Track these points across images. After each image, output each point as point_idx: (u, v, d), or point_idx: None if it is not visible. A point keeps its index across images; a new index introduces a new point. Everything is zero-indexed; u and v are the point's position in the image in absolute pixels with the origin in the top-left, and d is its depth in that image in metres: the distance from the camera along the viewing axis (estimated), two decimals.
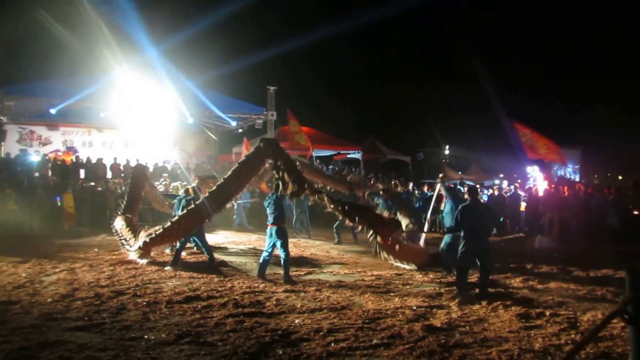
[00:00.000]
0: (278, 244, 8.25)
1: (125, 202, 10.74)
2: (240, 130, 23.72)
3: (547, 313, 6.21)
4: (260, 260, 8.47)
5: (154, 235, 8.22)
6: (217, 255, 10.10)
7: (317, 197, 8.67)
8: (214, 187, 8.82)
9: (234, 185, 8.74)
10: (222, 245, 11.90)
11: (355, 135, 28.60)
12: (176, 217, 8.38)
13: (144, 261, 8.57)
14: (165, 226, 8.28)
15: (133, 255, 8.61)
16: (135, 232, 9.29)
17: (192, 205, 8.93)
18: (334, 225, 12.82)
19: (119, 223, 9.81)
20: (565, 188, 16.17)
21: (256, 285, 7.78)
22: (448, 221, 8.80)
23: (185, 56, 24.42)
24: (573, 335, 5.40)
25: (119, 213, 10.38)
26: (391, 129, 36.35)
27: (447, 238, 8.76)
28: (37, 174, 16.65)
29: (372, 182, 18.99)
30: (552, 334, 5.47)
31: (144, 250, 8.36)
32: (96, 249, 11.12)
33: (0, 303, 6.50)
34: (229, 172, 9.07)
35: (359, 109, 40.84)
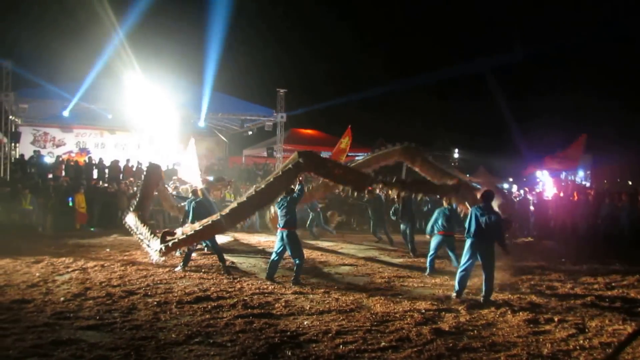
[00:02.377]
0: (289, 249, 8.18)
1: (137, 199, 10.84)
2: (250, 133, 23.84)
3: (556, 319, 6.20)
4: (269, 263, 8.48)
5: (176, 240, 8.39)
6: (227, 257, 10.16)
7: (384, 186, 8.72)
8: (246, 196, 8.76)
9: (265, 196, 8.55)
10: (232, 247, 11.98)
11: (365, 137, 28.58)
12: (201, 225, 8.44)
13: (157, 259, 8.73)
14: (189, 233, 8.42)
15: (153, 255, 8.78)
16: (151, 230, 9.44)
17: (202, 206, 9.02)
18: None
19: (132, 220, 9.95)
20: (575, 193, 16.07)
21: (265, 286, 7.82)
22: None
23: (194, 59, 24.63)
24: (581, 341, 5.40)
25: (131, 210, 10.49)
26: (401, 130, 36.23)
27: (434, 240, 9.24)
28: (50, 175, 16.87)
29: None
30: (560, 339, 5.47)
31: (165, 252, 8.55)
32: (108, 249, 11.26)
33: (14, 302, 6.62)
34: (263, 185, 8.73)
35: (367, 110, 40.77)
